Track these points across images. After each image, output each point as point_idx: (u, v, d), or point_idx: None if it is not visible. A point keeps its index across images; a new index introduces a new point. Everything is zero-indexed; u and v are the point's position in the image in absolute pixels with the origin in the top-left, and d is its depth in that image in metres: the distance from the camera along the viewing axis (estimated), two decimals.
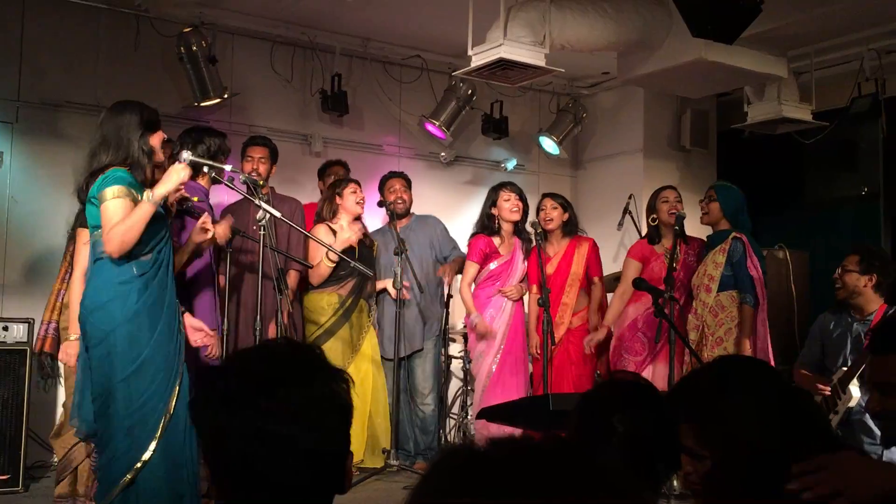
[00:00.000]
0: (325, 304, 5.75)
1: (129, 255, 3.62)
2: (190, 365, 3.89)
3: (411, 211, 6.33)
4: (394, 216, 5.99)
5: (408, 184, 6.29)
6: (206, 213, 4.11)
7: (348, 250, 5.66)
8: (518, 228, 5.97)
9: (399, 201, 6.18)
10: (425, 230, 6.24)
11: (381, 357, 6.01)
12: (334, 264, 5.62)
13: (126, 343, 3.58)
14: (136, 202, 3.64)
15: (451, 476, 0.87)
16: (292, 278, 5.57)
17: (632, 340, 5.63)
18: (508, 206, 5.88)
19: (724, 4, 4.71)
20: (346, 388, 1.40)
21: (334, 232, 5.74)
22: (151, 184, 3.82)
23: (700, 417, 1.70)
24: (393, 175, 6.34)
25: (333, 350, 5.63)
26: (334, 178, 6.27)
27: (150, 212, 3.63)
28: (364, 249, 5.90)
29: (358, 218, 5.95)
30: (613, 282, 6.58)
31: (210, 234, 4.23)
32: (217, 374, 1.42)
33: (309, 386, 1.35)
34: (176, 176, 3.75)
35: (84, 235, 4.01)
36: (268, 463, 1.30)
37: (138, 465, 3.53)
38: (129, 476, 3.51)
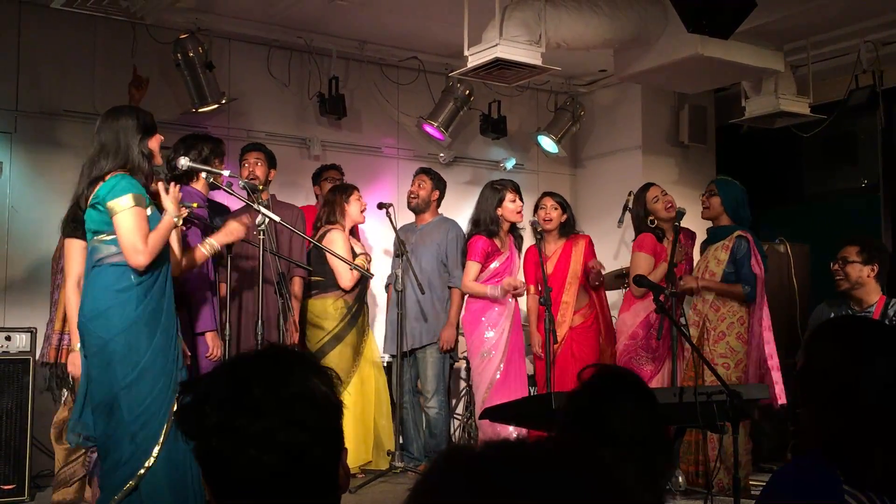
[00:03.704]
0: (331, 309, 5.75)
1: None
2: (190, 371, 3.90)
3: (439, 211, 6.35)
4: (394, 217, 5.99)
5: (432, 178, 6.29)
6: (248, 217, 4.28)
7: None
8: (512, 226, 5.98)
9: (412, 197, 6.23)
10: (439, 232, 6.22)
11: (392, 356, 6.07)
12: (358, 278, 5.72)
13: (125, 350, 3.58)
14: (144, 208, 3.68)
15: (448, 477, 0.87)
16: (296, 285, 5.58)
17: (647, 338, 5.59)
18: (514, 208, 5.88)
19: None
20: (329, 384, 1.41)
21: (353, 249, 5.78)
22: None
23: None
24: (418, 171, 6.41)
25: (343, 356, 5.64)
26: (330, 182, 6.28)
27: (170, 226, 3.85)
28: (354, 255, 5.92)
29: (354, 230, 5.97)
30: (615, 279, 6.58)
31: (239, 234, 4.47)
32: (197, 379, 1.45)
33: (285, 382, 1.36)
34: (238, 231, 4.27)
35: (72, 245, 4.01)
36: (251, 461, 1.31)
37: (142, 471, 3.53)
38: (132, 482, 3.51)
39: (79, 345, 3.84)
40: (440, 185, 6.33)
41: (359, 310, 5.86)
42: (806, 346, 1.84)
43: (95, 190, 3.66)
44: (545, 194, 6.01)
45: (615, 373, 2.16)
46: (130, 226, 3.59)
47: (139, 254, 3.59)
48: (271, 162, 5.64)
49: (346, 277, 5.68)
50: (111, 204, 3.59)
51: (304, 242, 5.65)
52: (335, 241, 5.64)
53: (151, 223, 3.71)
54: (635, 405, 1.94)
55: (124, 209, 3.59)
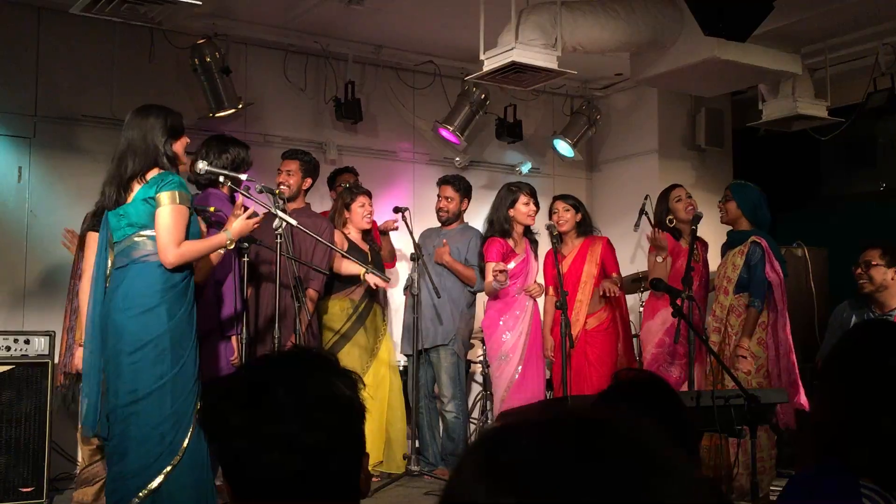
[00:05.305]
0: (337, 309, 5.77)
1: None
2: (209, 375, 3.92)
3: (464, 219, 6.36)
4: (410, 222, 5.99)
5: (458, 190, 6.26)
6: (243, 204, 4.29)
7: (361, 255, 5.70)
8: (527, 230, 5.98)
9: (442, 212, 6.26)
10: (461, 239, 6.21)
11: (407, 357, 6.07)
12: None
13: (172, 347, 3.64)
14: (187, 208, 3.76)
15: (486, 456, 0.83)
16: (311, 296, 5.57)
17: (673, 344, 5.53)
18: (526, 211, 5.87)
19: (736, 2, 4.69)
20: (352, 387, 1.40)
21: (348, 241, 5.77)
22: None
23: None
24: (441, 181, 6.37)
25: (351, 356, 5.64)
26: (344, 185, 6.30)
27: (222, 244, 3.90)
28: (374, 254, 5.92)
29: (368, 232, 5.97)
30: (631, 283, 6.56)
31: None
32: (221, 380, 1.45)
33: (307, 384, 1.36)
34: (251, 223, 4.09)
35: (94, 239, 4.03)
36: (273, 462, 1.31)
37: (168, 468, 3.55)
38: (160, 479, 3.53)
39: (85, 339, 3.85)
40: (467, 193, 6.32)
41: (367, 309, 5.85)
42: (831, 349, 1.83)
43: (143, 185, 3.70)
44: (556, 198, 6.01)
45: (641, 376, 2.15)
46: (170, 222, 3.65)
47: (169, 252, 3.64)
48: (306, 171, 5.66)
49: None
50: (160, 196, 3.64)
51: (324, 253, 5.65)
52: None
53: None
54: (657, 409, 1.94)
55: (168, 204, 3.65)
